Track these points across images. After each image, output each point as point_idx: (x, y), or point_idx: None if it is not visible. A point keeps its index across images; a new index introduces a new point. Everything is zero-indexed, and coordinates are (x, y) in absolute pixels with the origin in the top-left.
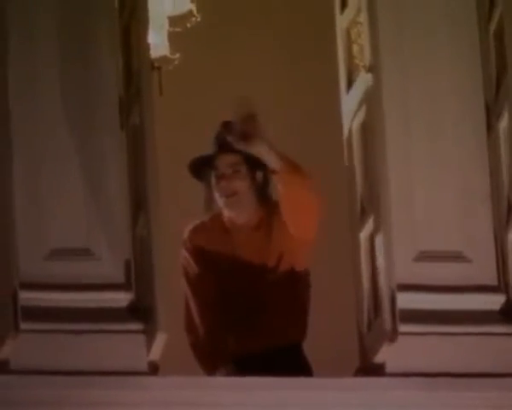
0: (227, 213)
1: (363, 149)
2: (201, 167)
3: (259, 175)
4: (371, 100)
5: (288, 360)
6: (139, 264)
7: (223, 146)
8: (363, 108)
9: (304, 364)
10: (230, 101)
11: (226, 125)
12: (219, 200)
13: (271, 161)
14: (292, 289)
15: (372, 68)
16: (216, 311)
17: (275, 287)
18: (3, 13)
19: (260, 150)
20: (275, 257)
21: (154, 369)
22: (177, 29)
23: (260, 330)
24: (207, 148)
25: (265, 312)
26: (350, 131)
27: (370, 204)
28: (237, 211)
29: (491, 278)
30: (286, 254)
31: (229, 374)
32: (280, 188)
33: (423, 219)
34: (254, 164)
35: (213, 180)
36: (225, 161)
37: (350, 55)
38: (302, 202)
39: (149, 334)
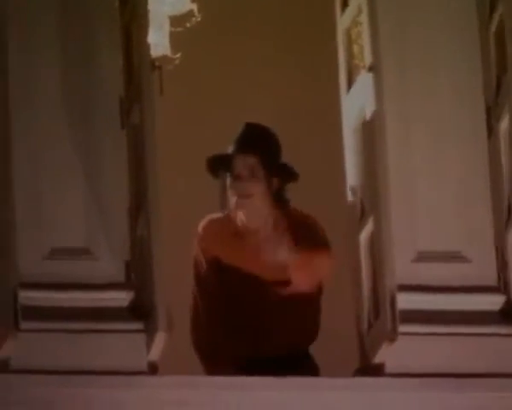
0: (240, 216)
1: (364, 149)
2: (218, 165)
3: (275, 181)
4: (371, 100)
5: (294, 365)
6: (139, 264)
7: (242, 147)
8: (364, 108)
9: (312, 366)
10: (230, 100)
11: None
12: (231, 199)
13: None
14: (303, 302)
15: (372, 68)
16: (222, 312)
17: (285, 298)
18: (3, 13)
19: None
20: (287, 273)
21: (153, 368)
22: (178, 29)
23: (268, 336)
24: (208, 146)
25: (273, 320)
26: (350, 131)
27: (370, 205)
28: (249, 213)
29: (491, 279)
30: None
31: (230, 375)
32: (293, 276)
33: (423, 219)
34: (271, 169)
35: (229, 180)
36: (243, 162)
37: (350, 56)
38: (313, 280)
39: (149, 333)
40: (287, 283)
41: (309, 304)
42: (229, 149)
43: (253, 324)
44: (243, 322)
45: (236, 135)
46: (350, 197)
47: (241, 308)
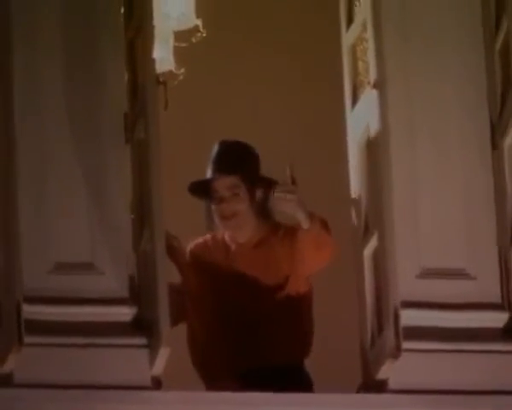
0: (228, 233)
1: (368, 166)
2: (200, 191)
3: (259, 193)
4: (376, 116)
5: (289, 378)
6: (143, 279)
7: (220, 168)
8: (369, 125)
9: (306, 381)
10: (235, 116)
11: (226, 149)
12: (218, 222)
13: (303, 220)
14: (297, 309)
15: (377, 85)
16: (217, 326)
17: (279, 305)
18: (9, 31)
19: (298, 209)
20: (280, 277)
21: (157, 384)
22: (183, 44)
23: (263, 347)
24: None
25: (268, 329)
26: (355, 147)
27: (374, 221)
28: (237, 232)
29: (494, 296)
30: (292, 277)
31: (231, 390)
32: (302, 242)
33: (427, 236)
34: (253, 183)
35: (212, 203)
36: (224, 184)
37: (355, 72)
38: (319, 254)
39: (153, 349)
40: (282, 286)
41: (301, 316)
42: (208, 171)
43: (246, 335)
44: (237, 334)
45: (212, 155)
46: (354, 213)
47: (235, 316)
